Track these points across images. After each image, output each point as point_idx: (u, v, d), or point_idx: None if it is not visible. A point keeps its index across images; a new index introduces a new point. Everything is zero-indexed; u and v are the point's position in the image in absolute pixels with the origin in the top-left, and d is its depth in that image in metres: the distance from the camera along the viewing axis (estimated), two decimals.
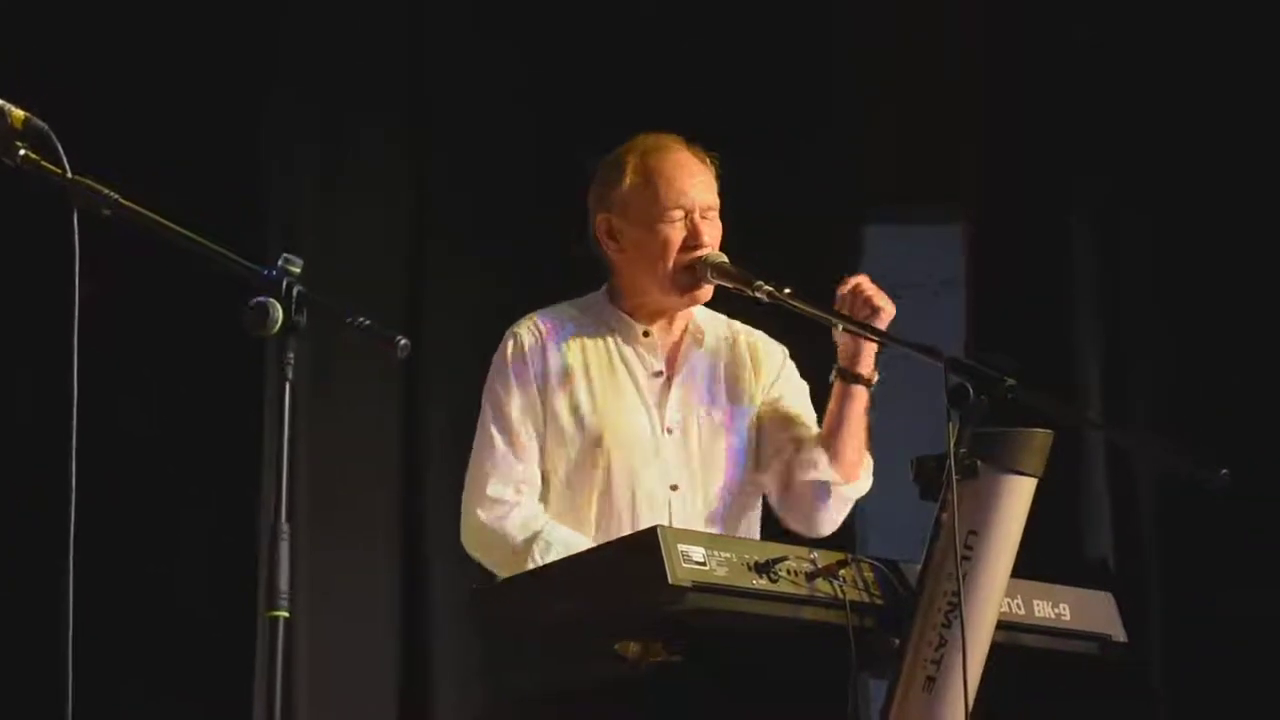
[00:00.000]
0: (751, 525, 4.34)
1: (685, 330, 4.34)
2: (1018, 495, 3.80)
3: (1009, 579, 3.85)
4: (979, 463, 3.74)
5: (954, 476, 3.71)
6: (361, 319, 3.21)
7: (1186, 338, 6.27)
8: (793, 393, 4.40)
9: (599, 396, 4.24)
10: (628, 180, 4.27)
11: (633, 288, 4.31)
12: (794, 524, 4.33)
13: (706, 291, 4.27)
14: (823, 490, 4.27)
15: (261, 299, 3.12)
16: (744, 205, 5.94)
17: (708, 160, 4.31)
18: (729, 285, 4.20)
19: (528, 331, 4.29)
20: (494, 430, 4.22)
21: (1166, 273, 6.32)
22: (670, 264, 4.22)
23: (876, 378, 4.27)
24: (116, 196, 3.17)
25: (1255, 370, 6.15)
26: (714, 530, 4.16)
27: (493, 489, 4.17)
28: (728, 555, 3.60)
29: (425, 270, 6.32)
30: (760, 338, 4.42)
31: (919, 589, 3.78)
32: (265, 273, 3.15)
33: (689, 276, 4.24)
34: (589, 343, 4.28)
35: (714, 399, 4.32)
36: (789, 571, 3.66)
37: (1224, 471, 3.95)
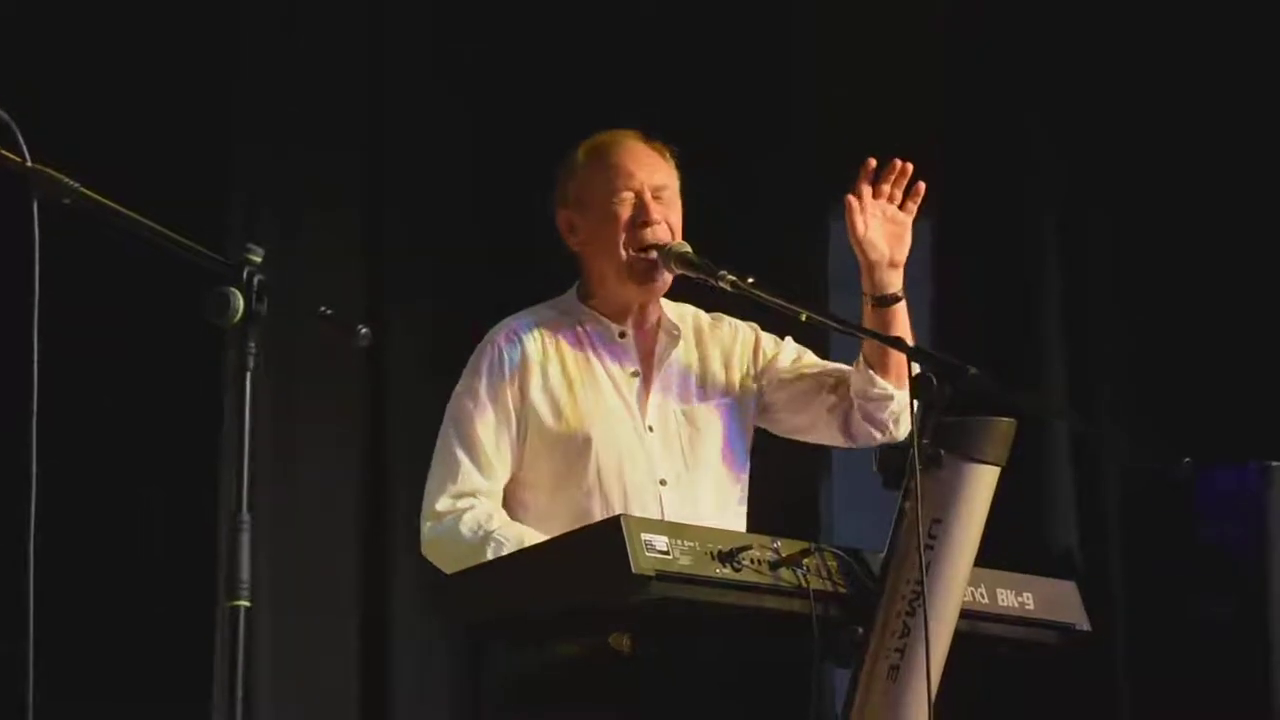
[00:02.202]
0: (741, 516, 4.34)
1: (659, 326, 4.34)
2: (981, 484, 3.80)
3: (973, 568, 3.85)
4: (942, 452, 3.74)
5: (917, 466, 3.71)
6: (324, 308, 3.21)
7: (1150, 329, 6.29)
8: (784, 349, 4.41)
9: (580, 398, 4.23)
10: (580, 171, 4.31)
11: (597, 280, 4.31)
12: (872, 438, 4.30)
13: (665, 281, 4.28)
14: (889, 403, 4.25)
15: (222, 288, 3.11)
16: (711, 197, 5.95)
17: (663, 148, 4.33)
18: (692, 275, 4.20)
19: (506, 340, 4.27)
20: (455, 446, 4.19)
21: (1130, 265, 6.34)
22: (623, 244, 4.23)
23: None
24: (77, 185, 3.16)
25: (1219, 359, 6.17)
26: (708, 523, 4.15)
27: (442, 504, 4.15)
28: (691, 544, 3.60)
29: (385, 254, 6.32)
30: (727, 322, 4.43)
31: (882, 578, 3.78)
32: (226, 261, 3.14)
33: (644, 265, 4.24)
34: (565, 346, 4.28)
35: (695, 394, 4.33)
36: (752, 561, 3.66)
37: (1186, 460, 3.96)
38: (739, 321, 4.44)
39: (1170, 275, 6.28)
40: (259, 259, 3.16)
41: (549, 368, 4.25)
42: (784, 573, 3.70)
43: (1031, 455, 5.89)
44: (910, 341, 4.17)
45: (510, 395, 4.22)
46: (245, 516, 3.10)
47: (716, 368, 4.38)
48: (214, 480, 5.76)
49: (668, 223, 4.26)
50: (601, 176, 4.27)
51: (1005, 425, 3.83)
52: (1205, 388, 6.15)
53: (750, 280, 4.10)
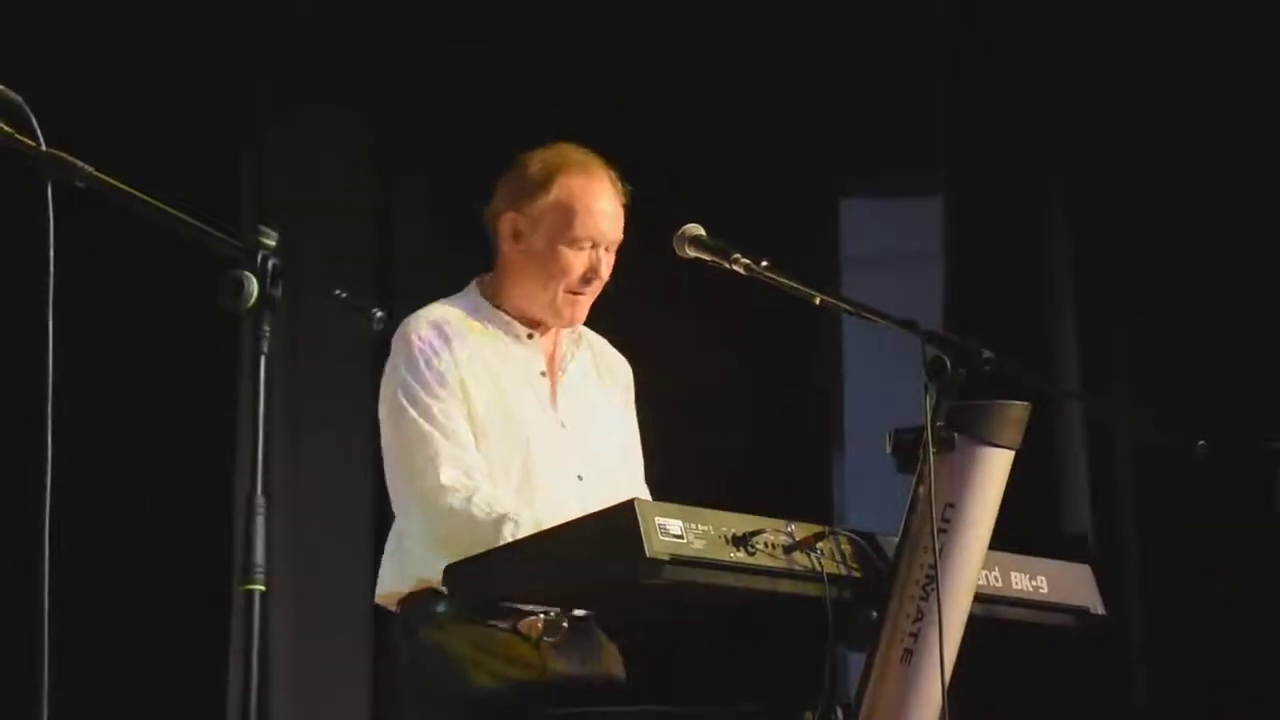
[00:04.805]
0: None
1: (558, 330, 4.37)
2: (995, 467, 3.80)
3: (987, 551, 3.85)
4: (956, 435, 3.74)
5: (931, 449, 3.71)
6: (338, 291, 3.21)
7: (1164, 309, 6.27)
8: (633, 426, 4.48)
9: (505, 394, 4.24)
10: (550, 196, 4.27)
11: (518, 291, 4.32)
12: None
13: (582, 316, 4.32)
14: None
15: (236, 272, 3.11)
16: (723, 177, 5.94)
17: (623, 192, 4.33)
18: (706, 258, 4.18)
19: (430, 330, 4.23)
20: (425, 425, 4.15)
21: (1143, 243, 6.32)
22: (562, 288, 4.26)
23: None
24: (90, 169, 3.16)
25: (1234, 341, 6.15)
26: None
27: (446, 476, 4.10)
28: (705, 528, 3.60)
29: (394, 249, 6.32)
30: (604, 342, 4.49)
31: (896, 561, 3.78)
32: (240, 245, 3.14)
33: (570, 305, 4.28)
34: (483, 341, 4.28)
35: (596, 396, 4.38)
36: (766, 544, 3.66)
37: (1201, 443, 3.95)
38: (623, 360, 4.50)
39: (1185, 254, 6.25)
40: (273, 242, 3.16)
41: (475, 363, 4.23)
42: (798, 556, 3.70)
43: (1045, 438, 5.88)
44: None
45: (454, 383, 4.19)
46: (260, 500, 3.10)
47: (609, 381, 4.44)
48: (229, 465, 5.77)
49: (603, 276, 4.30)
50: (570, 217, 4.26)
51: (1019, 408, 3.82)
52: (1221, 367, 6.13)
53: (764, 264, 4.09)
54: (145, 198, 3.19)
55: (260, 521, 3.08)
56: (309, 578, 5.98)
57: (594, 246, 4.27)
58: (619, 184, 4.33)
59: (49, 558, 3.08)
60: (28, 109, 3.14)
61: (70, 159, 3.15)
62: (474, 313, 4.32)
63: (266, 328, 3.14)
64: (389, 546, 4.27)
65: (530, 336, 4.32)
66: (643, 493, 4.38)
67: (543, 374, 4.32)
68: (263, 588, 3.05)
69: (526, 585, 3.85)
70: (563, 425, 4.29)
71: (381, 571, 4.26)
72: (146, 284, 5.84)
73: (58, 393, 3.12)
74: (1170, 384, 6.17)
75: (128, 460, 5.89)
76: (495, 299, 4.34)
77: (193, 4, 6.10)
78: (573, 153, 4.34)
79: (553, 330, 4.36)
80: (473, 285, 4.37)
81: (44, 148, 3.14)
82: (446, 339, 4.23)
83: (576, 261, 4.26)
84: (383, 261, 6.28)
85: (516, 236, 4.30)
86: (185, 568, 5.90)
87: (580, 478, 4.25)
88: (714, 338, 6.35)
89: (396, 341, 4.24)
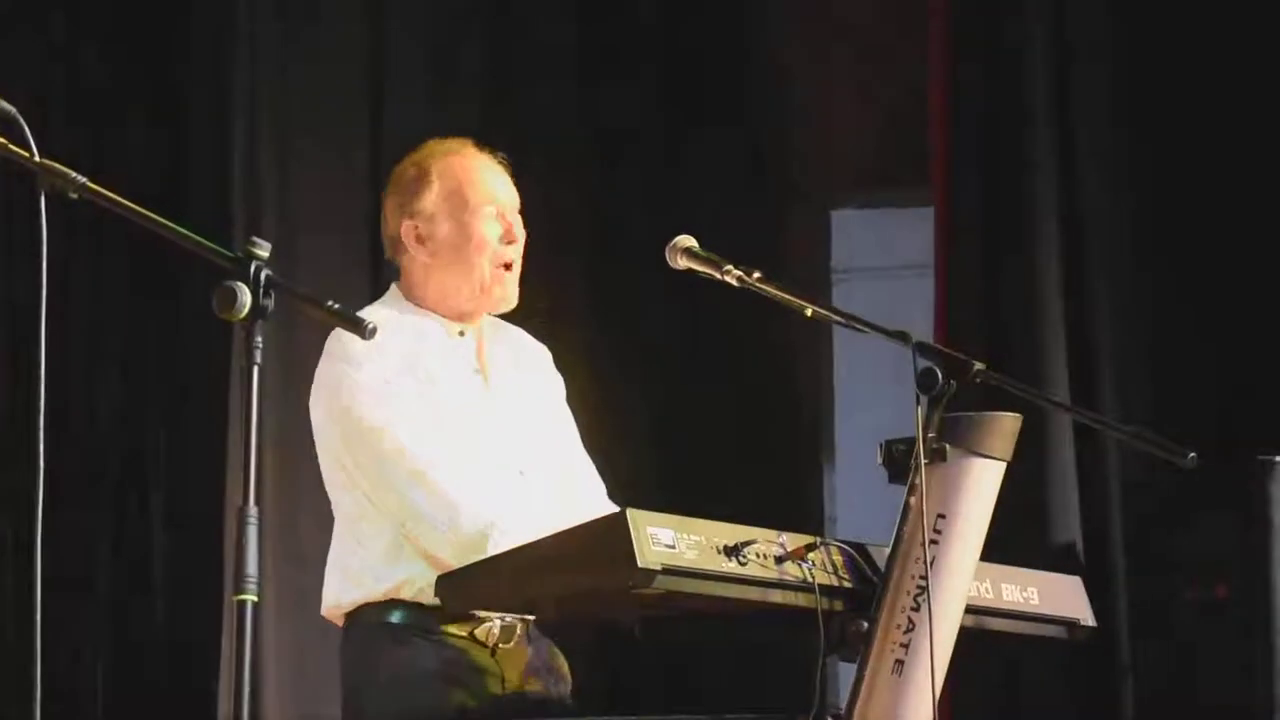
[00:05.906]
0: (598, 496, 4.35)
1: (483, 328, 4.35)
2: (986, 479, 3.81)
3: (978, 563, 3.86)
4: (947, 446, 3.75)
5: (922, 460, 3.72)
6: (331, 302, 3.21)
7: (1156, 320, 6.28)
8: (565, 410, 4.44)
9: (441, 392, 4.20)
10: (435, 187, 4.25)
11: (439, 291, 4.27)
12: None
13: (513, 298, 4.28)
14: None
15: (229, 283, 3.12)
16: (714, 189, 5.94)
17: (503, 161, 4.32)
18: (699, 269, 4.19)
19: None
20: (390, 416, 4.09)
21: (1137, 251, 6.33)
22: (489, 264, 4.23)
23: None
24: (84, 180, 3.16)
25: (1225, 352, 6.17)
26: (563, 506, 4.14)
27: (420, 461, 4.06)
28: (697, 538, 3.60)
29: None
30: (520, 332, 4.45)
31: (887, 572, 3.79)
32: (232, 256, 3.15)
33: (502, 281, 4.24)
34: (417, 342, 4.23)
35: (525, 388, 4.34)
36: (758, 555, 3.67)
37: (1191, 454, 3.96)
38: (542, 347, 4.47)
39: (1177, 263, 6.26)
40: (265, 254, 3.16)
41: (413, 363, 4.18)
42: (789, 567, 3.71)
43: (1036, 450, 5.89)
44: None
45: (403, 382, 4.15)
46: (252, 511, 3.10)
47: (534, 371, 4.40)
48: (220, 475, 5.77)
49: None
50: (461, 191, 4.23)
51: (1010, 420, 3.83)
52: (1210, 379, 6.14)
53: (756, 275, 4.10)
54: (138, 209, 3.19)
55: (253, 532, 3.08)
56: (301, 587, 5.98)
57: (499, 214, 4.24)
58: (496, 153, 4.31)
59: (40, 566, 3.08)
60: (21, 120, 3.14)
61: (64, 170, 3.16)
62: (404, 315, 4.26)
63: (258, 338, 3.15)
64: (334, 554, 4.21)
65: (462, 334, 4.28)
66: (590, 475, 4.36)
67: (476, 371, 4.28)
68: (255, 598, 3.06)
69: (516, 595, 3.86)
70: (500, 422, 4.24)
71: (327, 581, 4.21)
72: (140, 292, 5.84)
73: (49, 401, 3.12)
74: (1161, 395, 6.18)
75: (120, 469, 5.88)
76: (419, 302, 4.29)
77: (191, 8, 6.12)
78: (438, 144, 4.33)
79: (478, 327, 4.30)
80: (394, 290, 4.32)
81: (38, 158, 3.15)
82: (386, 338, 4.19)
83: (489, 229, 4.22)
84: (377, 268, 6.29)
85: (421, 240, 4.25)
86: (177, 578, 5.90)
87: (522, 473, 4.21)
88: (707, 347, 6.36)
89: (333, 345, 4.18)
